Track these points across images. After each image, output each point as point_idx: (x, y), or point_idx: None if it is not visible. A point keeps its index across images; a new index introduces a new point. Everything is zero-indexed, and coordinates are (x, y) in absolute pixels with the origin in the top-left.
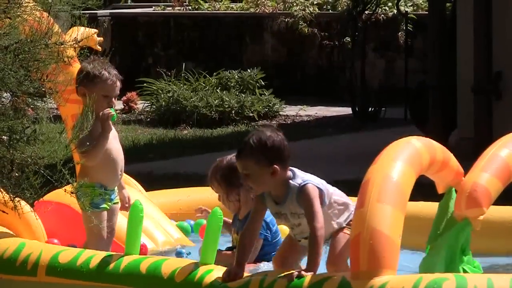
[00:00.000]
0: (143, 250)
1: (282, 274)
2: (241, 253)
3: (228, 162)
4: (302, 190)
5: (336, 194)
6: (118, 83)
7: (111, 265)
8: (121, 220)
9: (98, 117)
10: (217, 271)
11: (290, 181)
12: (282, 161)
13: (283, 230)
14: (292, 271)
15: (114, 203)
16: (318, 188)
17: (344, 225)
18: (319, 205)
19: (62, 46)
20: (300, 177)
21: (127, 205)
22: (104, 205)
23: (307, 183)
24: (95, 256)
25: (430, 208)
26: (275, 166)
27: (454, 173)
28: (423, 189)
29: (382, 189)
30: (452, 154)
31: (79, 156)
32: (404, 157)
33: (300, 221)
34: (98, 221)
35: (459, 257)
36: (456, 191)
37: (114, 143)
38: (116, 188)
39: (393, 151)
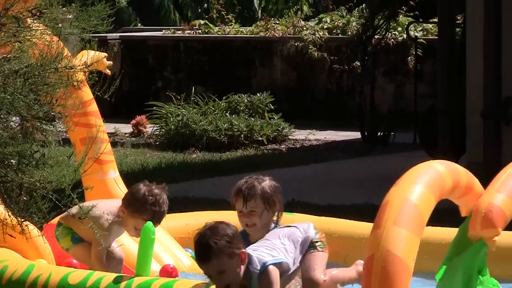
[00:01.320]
0: (174, 274)
1: None
2: None
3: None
4: (263, 275)
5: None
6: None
7: (122, 286)
8: (130, 244)
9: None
10: None
11: (249, 266)
12: (242, 244)
13: None
14: None
15: None
16: (278, 264)
17: None
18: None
19: (72, 70)
20: (256, 259)
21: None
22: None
23: (267, 265)
24: (105, 277)
25: (439, 233)
26: (243, 250)
27: (478, 197)
28: (439, 215)
29: (400, 212)
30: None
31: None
32: (425, 181)
33: None
34: (85, 252)
35: (476, 279)
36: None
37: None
38: None
39: (414, 174)
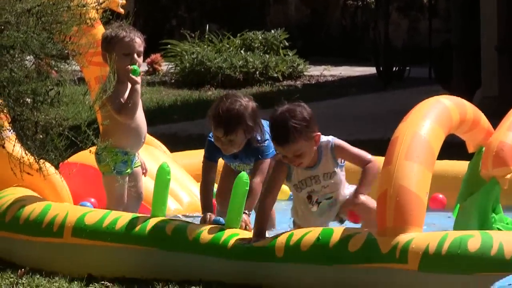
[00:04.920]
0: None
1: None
2: (262, 221)
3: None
4: (336, 143)
5: None
6: (137, 40)
7: (137, 227)
8: (149, 183)
9: (121, 77)
10: (242, 235)
11: (321, 143)
12: (317, 126)
13: (284, 190)
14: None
15: (136, 167)
16: None
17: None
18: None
19: (85, 8)
20: (323, 136)
21: (144, 171)
22: (127, 170)
23: (334, 138)
24: (121, 218)
25: (455, 166)
26: (318, 133)
27: (484, 133)
28: (451, 148)
29: (410, 146)
30: (483, 113)
31: (117, 117)
32: (434, 116)
33: (329, 182)
34: (119, 185)
35: (491, 217)
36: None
37: (138, 110)
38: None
39: (423, 109)
